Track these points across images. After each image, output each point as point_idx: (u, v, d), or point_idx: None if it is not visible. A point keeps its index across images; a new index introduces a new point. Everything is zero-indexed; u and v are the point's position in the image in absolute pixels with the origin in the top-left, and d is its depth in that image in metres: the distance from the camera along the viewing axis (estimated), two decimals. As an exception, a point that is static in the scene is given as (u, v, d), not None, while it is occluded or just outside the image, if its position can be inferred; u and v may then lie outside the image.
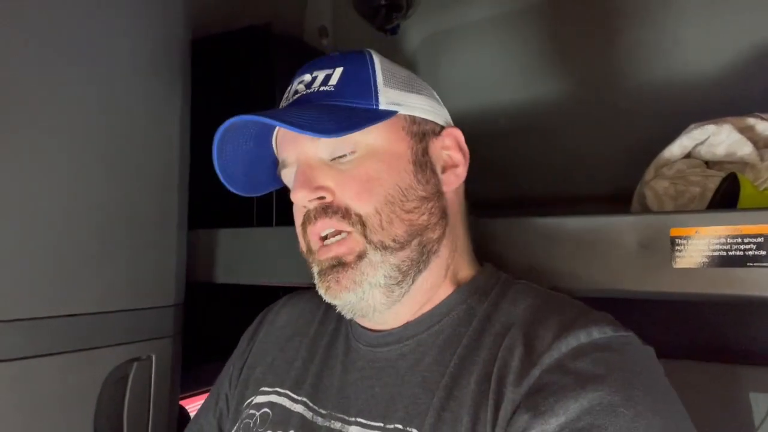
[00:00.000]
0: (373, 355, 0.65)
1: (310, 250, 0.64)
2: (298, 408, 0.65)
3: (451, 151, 0.68)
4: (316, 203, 0.61)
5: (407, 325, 0.64)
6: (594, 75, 1.35)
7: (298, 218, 0.65)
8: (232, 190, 0.68)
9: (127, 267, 0.85)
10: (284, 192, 0.67)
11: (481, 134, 1.42)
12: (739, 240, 0.62)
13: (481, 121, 1.46)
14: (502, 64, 1.49)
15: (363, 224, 0.60)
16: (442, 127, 0.69)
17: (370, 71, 0.66)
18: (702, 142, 0.84)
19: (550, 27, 1.40)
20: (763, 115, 0.85)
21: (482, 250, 0.72)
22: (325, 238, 0.62)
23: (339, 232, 0.61)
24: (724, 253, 0.62)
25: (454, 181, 0.67)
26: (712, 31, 1.18)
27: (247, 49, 1.17)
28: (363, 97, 0.64)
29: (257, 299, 0.92)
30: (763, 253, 0.60)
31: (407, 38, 1.62)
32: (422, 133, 0.66)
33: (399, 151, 0.64)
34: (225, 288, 1.04)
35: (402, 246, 0.61)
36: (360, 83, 0.65)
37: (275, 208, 1.12)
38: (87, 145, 0.80)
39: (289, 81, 0.70)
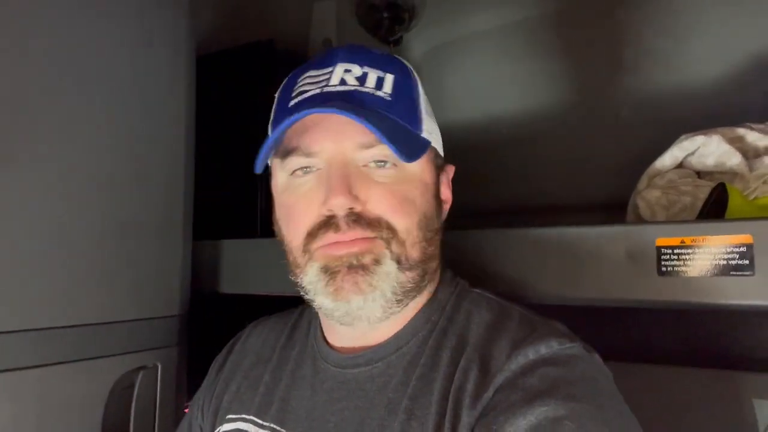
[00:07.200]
0: (342, 376, 0.64)
1: (306, 251, 0.60)
2: None
3: (445, 187, 0.69)
4: (348, 211, 0.58)
5: (376, 348, 0.64)
6: (595, 84, 1.36)
7: (306, 220, 0.60)
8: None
9: (133, 277, 0.87)
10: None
11: (484, 144, 1.45)
12: (723, 250, 0.63)
13: (484, 131, 1.48)
14: (504, 74, 1.50)
15: (392, 233, 0.59)
16: (444, 161, 0.69)
17: (415, 91, 0.65)
18: (692, 153, 0.85)
19: (552, 38, 1.42)
20: (754, 126, 0.86)
21: (468, 262, 0.73)
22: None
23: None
24: (709, 263, 0.64)
25: (444, 216, 0.68)
26: (710, 41, 1.19)
27: (251, 65, 1.20)
28: (411, 119, 0.62)
29: (263, 309, 0.94)
30: (746, 262, 0.62)
31: (410, 50, 1.64)
32: (439, 166, 0.68)
33: (428, 181, 0.64)
34: (231, 297, 1.06)
35: (411, 268, 0.61)
36: (408, 102, 0.63)
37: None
38: (93, 158, 0.82)
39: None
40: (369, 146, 0.59)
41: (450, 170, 0.70)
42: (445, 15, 1.56)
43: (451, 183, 0.70)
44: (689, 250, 0.64)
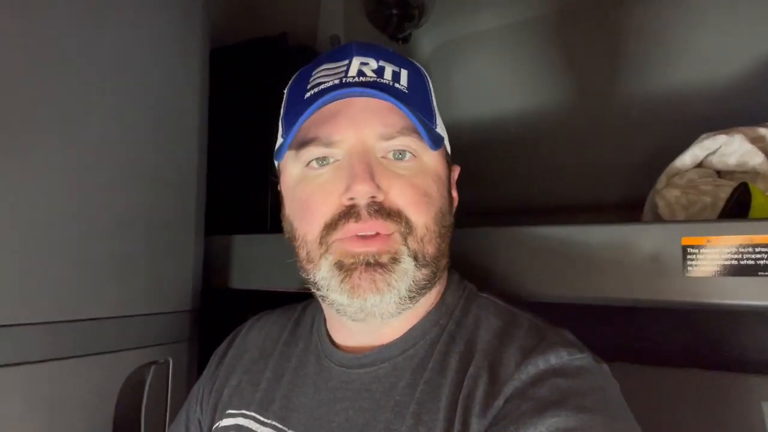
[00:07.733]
0: (347, 376, 0.63)
1: (323, 243, 0.59)
2: (266, 430, 0.64)
3: (453, 186, 0.69)
4: (369, 200, 0.57)
5: (382, 348, 0.63)
6: (605, 83, 1.35)
7: (325, 210, 0.59)
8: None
9: (146, 272, 0.86)
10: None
11: (493, 142, 1.44)
12: (751, 249, 0.62)
13: (493, 129, 1.48)
14: (513, 72, 1.50)
15: (409, 230, 0.58)
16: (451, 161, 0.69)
17: (427, 88, 0.66)
18: (713, 152, 0.84)
19: (561, 36, 1.41)
20: (775, 126, 0.85)
21: (487, 261, 0.73)
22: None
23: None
24: (736, 263, 0.63)
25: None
26: (724, 41, 1.18)
27: (263, 59, 1.19)
28: (427, 113, 0.63)
29: (273, 305, 0.93)
30: (775, 262, 0.61)
31: (419, 47, 1.63)
32: (450, 164, 0.68)
33: (443, 176, 0.64)
34: (241, 293, 1.05)
35: (426, 265, 0.60)
36: (423, 96, 0.64)
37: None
38: (107, 152, 0.81)
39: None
40: (389, 137, 0.59)
41: (455, 171, 0.70)
42: (454, 12, 1.56)
43: (455, 184, 0.70)
44: (716, 250, 0.64)
